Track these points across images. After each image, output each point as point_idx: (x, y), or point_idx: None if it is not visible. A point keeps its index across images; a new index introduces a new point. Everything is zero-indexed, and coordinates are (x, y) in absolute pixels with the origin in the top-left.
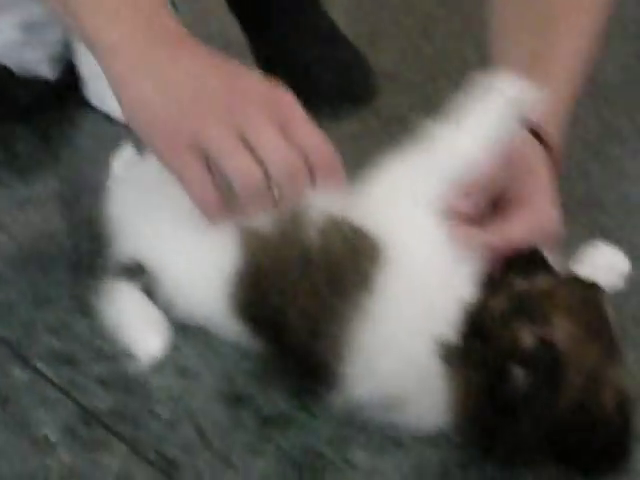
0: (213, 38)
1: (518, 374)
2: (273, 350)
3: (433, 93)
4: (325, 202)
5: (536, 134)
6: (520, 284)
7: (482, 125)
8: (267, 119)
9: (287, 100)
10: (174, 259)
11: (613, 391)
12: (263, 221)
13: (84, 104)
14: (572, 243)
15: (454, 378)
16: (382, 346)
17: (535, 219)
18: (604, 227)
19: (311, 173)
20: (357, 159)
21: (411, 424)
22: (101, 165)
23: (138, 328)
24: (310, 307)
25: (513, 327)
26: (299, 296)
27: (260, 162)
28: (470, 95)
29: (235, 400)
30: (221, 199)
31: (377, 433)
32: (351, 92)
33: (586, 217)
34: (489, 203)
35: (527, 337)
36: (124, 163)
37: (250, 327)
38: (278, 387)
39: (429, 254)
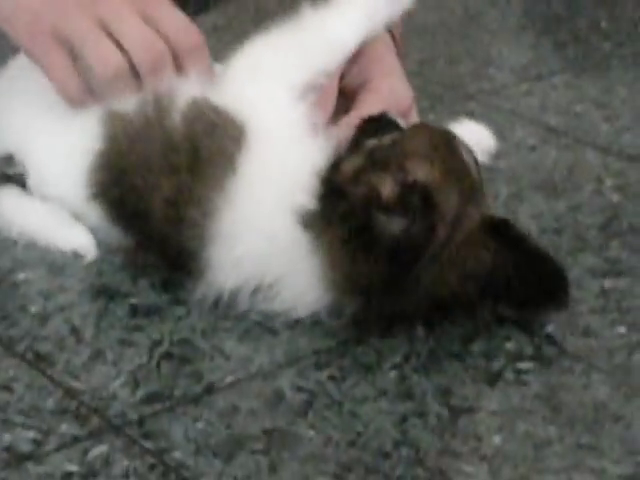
0: None
1: (385, 221)
2: (135, 239)
3: None
4: (188, 85)
5: None
6: (371, 143)
7: (351, 17)
8: (130, 7)
9: None
10: (38, 144)
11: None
12: (126, 104)
13: None
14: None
15: (320, 246)
16: (245, 229)
17: (380, 98)
18: (471, 113)
19: (176, 58)
20: (221, 51)
21: (285, 309)
22: None
23: (54, 227)
24: (172, 191)
25: (368, 179)
26: (161, 180)
27: (123, 50)
28: None
29: (105, 293)
30: (82, 85)
31: (252, 323)
32: None
33: (453, 103)
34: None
35: (386, 184)
36: None
37: (110, 213)
38: (148, 280)
39: (287, 134)
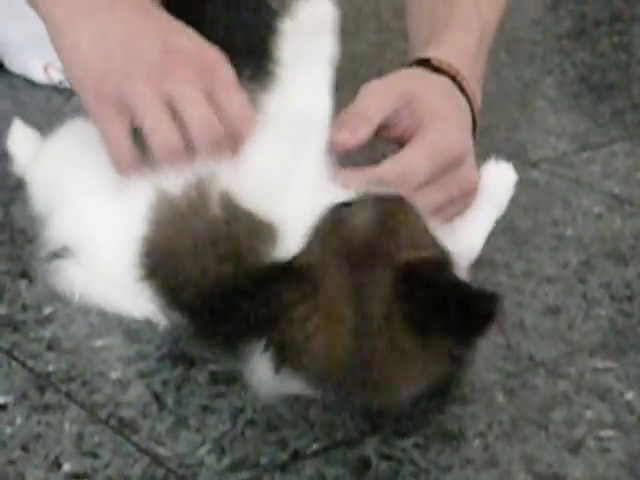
0: None
1: None
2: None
3: (353, 51)
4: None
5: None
6: None
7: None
8: (194, 82)
9: (218, 62)
10: (89, 231)
11: None
12: (172, 184)
13: (2, 69)
14: None
15: None
16: None
17: (426, 143)
18: (535, 181)
19: (231, 138)
20: None
21: None
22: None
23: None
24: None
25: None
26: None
27: (182, 125)
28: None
29: (184, 360)
30: (135, 155)
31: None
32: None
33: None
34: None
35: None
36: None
37: (161, 295)
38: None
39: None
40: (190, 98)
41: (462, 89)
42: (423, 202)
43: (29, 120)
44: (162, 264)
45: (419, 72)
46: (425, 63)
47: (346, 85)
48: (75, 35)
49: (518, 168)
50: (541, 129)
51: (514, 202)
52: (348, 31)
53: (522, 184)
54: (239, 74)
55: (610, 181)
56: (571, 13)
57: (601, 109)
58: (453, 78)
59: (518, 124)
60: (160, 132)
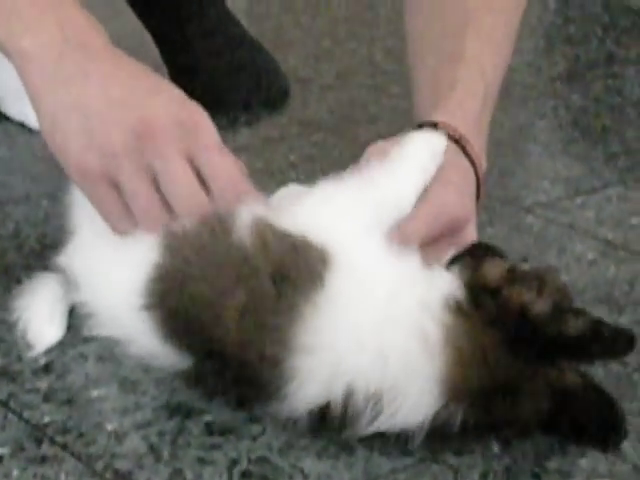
0: (124, 46)
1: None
2: (203, 365)
3: (345, 96)
4: (249, 208)
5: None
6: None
7: (411, 175)
8: (175, 150)
9: (198, 122)
10: (93, 256)
11: None
12: (187, 225)
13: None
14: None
15: (449, 342)
16: (340, 340)
17: (429, 208)
18: (530, 227)
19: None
20: (276, 162)
21: (390, 423)
22: (19, 175)
23: (38, 317)
24: (249, 299)
25: (522, 291)
26: (234, 289)
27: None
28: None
29: (180, 411)
30: (131, 220)
31: (327, 441)
32: (266, 97)
33: (510, 217)
34: None
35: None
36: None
37: (166, 326)
38: (222, 397)
39: (375, 257)
40: (172, 171)
41: (466, 154)
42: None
43: (26, 167)
44: (174, 289)
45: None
46: (430, 127)
47: (341, 128)
48: (52, 105)
49: (512, 214)
50: (535, 174)
51: (508, 249)
52: (342, 74)
53: (516, 230)
54: (234, 121)
55: (604, 227)
56: (565, 55)
57: (595, 153)
58: (457, 142)
59: (511, 168)
60: (150, 212)
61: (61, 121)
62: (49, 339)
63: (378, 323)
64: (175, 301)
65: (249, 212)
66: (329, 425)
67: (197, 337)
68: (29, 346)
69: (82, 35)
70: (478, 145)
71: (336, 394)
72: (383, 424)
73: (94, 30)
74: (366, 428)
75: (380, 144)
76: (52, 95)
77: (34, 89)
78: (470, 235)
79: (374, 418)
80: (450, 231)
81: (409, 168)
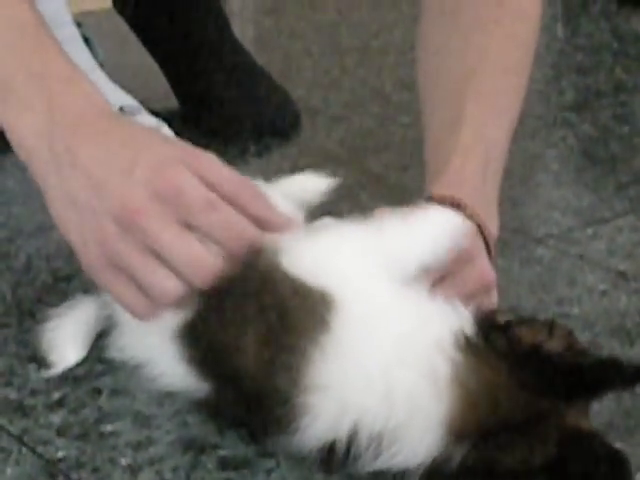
0: (134, 75)
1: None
2: (220, 394)
3: (355, 126)
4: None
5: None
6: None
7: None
8: (161, 225)
9: (179, 188)
10: None
11: None
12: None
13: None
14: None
15: (462, 385)
16: (348, 380)
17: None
18: (540, 258)
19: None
20: None
21: (401, 461)
22: (30, 207)
23: (61, 338)
24: (268, 340)
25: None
26: (255, 329)
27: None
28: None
29: (192, 445)
30: (148, 302)
31: (342, 476)
32: (277, 128)
33: (521, 248)
34: None
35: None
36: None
37: (192, 355)
38: (235, 431)
39: (383, 298)
40: (165, 245)
41: (469, 216)
42: (445, 295)
43: (36, 199)
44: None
45: None
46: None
47: (351, 158)
48: (51, 199)
49: (522, 245)
50: (545, 204)
51: (519, 280)
52: (351, 105)
53: (527, 261)
54: (244, 151)
55: (615, 257)
56: (574, 84)
57: (605, 183)
58: (458, 207)
59: (522, 199)
60: (158, 285)
61: (61, 216)
62: (70, 359)
63: (387, 364)
64: (199, 327)
65: (262, 249)
66: (334, 462)
67: (217, 364)
68: (49, 364)
69: (70, 114)
70: (484, 213)
71: (342, 432)
72: (384, 463)
73: (82, 99)
74: (367, 466)
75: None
76: (51, 189)
77: (37, 180)
78: (483, 265)
79: (376, 457)
80: (463, 262)
81: (424, 233)
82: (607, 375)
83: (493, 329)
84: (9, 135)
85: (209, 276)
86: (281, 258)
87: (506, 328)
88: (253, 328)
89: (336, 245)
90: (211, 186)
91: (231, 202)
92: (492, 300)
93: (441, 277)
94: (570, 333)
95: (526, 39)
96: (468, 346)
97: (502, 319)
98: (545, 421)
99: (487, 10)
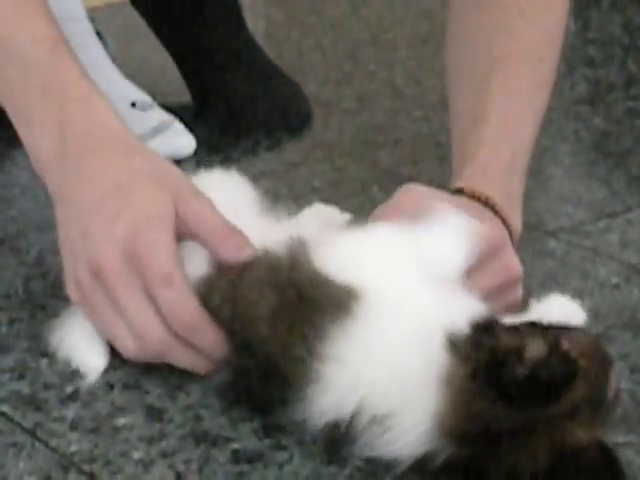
0: (146, 70)
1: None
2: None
3: (367, 119)
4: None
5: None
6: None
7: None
8: (123, 289)
9: (146, 257)
10: None
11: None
12: None
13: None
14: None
15: (448, 380)
16: (362, 357)
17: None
18: (553, 252)
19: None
20: (299, 187)
21: (390, 448)
22: (42, 202)
23: (82, 348)
24: (284, 310)
25: (522, 336)
26: (271, 299)
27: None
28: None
29: (205, 439)
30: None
31: (354, 469)
32: (289, 122)
33: (534, 241)
34: None
35: (535, 344)
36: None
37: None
38: (248, 424)
39: (409, 289)
40: (122, 307)
41: (496, 211)
42: (473, 288)
43: (44, 194)
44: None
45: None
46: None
47: (363, 152)
48: (57, 213)
49: (535, 238)
50: (557, 197)
51: (531, 274)
52: (362, 99)
53: (539, 255)
54: (256, 145)
55: (627, 251)
56: (585, 78)
57: (617, 176)
58: (485, 203)
59: (534, 193)
60: (120, 337)
61: (60, 238)
62: (96, 368)
63: (399, 349)
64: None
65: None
66: (336, 444)
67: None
68: (81, 376)
69: (78, 136)
70: (508, 208)
71: (348, 408)
72: (377, 449)
73: (94, 124)
74: (362, 450)
75: (416, 188)
76: (58, 209)
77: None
78: (510, 258)
79: (372, 441)
80: (491, 254)
81: (443, 239)
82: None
83: (484, 334)
84: (27, 151)
85: (153, 346)
86: (310, 253)
87: (488, 332)
88: (269, 297)
89: (363, 243)
90: (189, 231)
91: (204, 244)
92: (517, 294)
93: (469, 270)
94: (556, 341)
95: (552, 30)
96: (456, 349)
97: (502, 324)
98: (535, 433)
99: (514, 0)
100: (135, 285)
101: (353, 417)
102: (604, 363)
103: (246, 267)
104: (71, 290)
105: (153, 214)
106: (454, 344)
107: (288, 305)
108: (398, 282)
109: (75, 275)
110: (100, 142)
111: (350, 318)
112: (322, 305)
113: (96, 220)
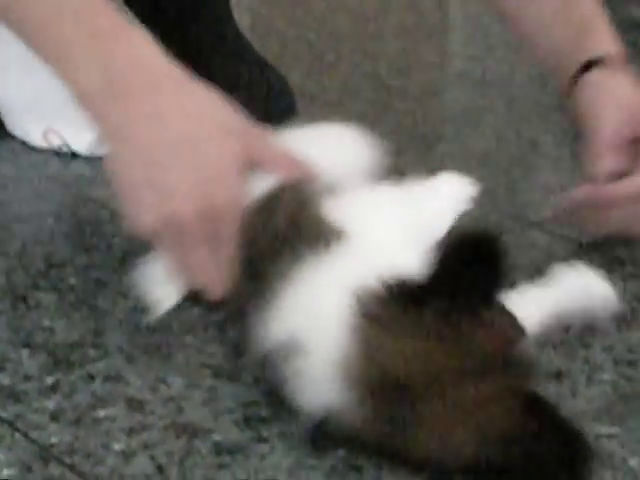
0: None
1: None
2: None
3: (350, 111)
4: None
5: None
6: None
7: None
8: (196, 243)
9: (221, 212)
10: None
11: None
12: None
13: (3, 134)
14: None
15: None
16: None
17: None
18: (535, 242)
19: None
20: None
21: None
22: (25, 193)
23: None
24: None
25: None
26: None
27: None
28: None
29: (187, 430)
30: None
31: (337, 460)
32: (273, 113)
33: (517, 233)
34: None
35: None
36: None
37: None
38: (230, 416)
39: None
40: (191, 262)
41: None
42: None
43: (31, 186)
44: None
45: None
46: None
47: None
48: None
49: (519, 229)
50: (541, 189)
51: (515, 265)
52: (347, 90)
53: (522, 246)
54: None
55: (611, 242)
56: None
57: None
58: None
59: (518, 184)
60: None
61: (118, 185)
62: (169, 301)
63: (338, 289)
64: None
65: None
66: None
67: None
68: (149, 309)
69: (124, 78)
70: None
71: (281, 336)
72: (294, 394)
73: (137, 62)
74: (279, 385)
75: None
76: (114, 161)
77: (102, 140)
78: None
79: (289, 378)
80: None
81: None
82: None
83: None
84: (71, 92)
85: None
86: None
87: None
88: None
89: (363, 196)
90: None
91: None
92: None
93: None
94: None
95: None
96: (362, 303)
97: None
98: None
99: None
100: (204, 240)
101: (281, 346)
102: None
103: (273, 198)
104: (142, 231)
105: (224, 167)
106: (361, 298)
107: (284, 229)
108: (375, 233)
109: (144, 222)
110: (149, 78)
111: (324, 251)
112: (306, 233)
113: (163, 170)
